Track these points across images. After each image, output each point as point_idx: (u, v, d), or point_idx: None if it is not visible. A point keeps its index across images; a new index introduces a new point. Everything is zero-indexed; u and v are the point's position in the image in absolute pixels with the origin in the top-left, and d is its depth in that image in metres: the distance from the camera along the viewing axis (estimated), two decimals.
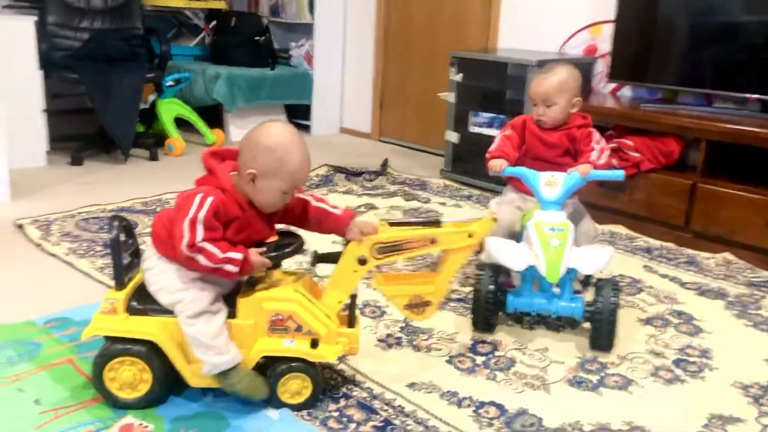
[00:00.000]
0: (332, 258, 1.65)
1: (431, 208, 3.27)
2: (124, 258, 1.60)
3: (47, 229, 2.71)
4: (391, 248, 1.62)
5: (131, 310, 1.58)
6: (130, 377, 1.56)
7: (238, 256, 1.51)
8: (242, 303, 1.58)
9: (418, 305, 1.69)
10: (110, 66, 3.77)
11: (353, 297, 1.67)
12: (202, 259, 1.49)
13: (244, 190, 1.55)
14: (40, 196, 3.16)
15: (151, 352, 1.55)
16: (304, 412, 1.60)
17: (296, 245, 1.62)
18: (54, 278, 2.31)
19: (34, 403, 1.58)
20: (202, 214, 1.48)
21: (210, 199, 1.49)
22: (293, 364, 1.59)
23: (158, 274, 1.58)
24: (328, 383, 1.72)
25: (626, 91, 3.54)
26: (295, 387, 1.60)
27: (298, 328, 1.58)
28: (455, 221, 1.69)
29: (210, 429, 1.53)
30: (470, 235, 1.66)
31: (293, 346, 1.58)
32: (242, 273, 1.54)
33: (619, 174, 2.07)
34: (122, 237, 1.60)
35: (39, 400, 1.60)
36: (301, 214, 1.68)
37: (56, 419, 1.53)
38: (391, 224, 1.66)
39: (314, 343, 1.59)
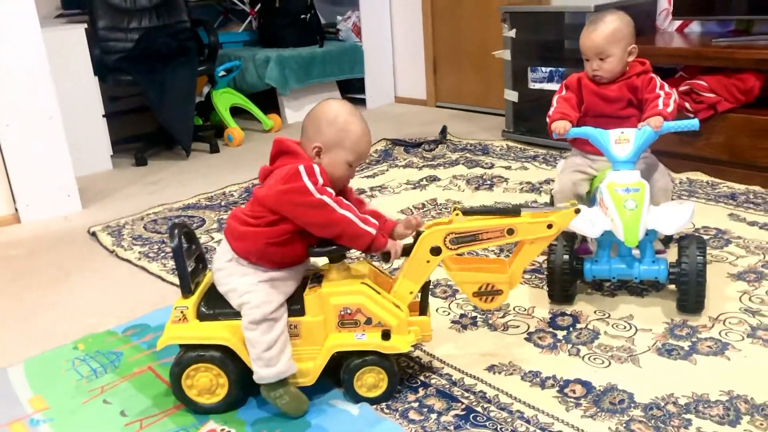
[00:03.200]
0: (404, 251, 1.59)
1: (496, 173, 3.17)
2: (188, 265, 1.60)
3: (119, 234, 2.77)
4: (466, 239, 1.55)
5: (201, 316, 1.57)
6: (207, 383, 1.57)
7: (375, 221, 1.53)
8: (309, 300, 1.56)
9: (488, 293, 1.62)
10: (162, 63, 3.79)
11: (426, 284, 1.62)
12: (342, 211, 1.48)
13: None
14: (109, 201, 3.23)
15: (225, 357, 1.55)
16: (383, 405, 1.57)
17: None
18: (129, 283, 2.35)
19: (120, 414, 1.61)
20: (320, 179, 1.48)
21: (316, 166, 1.49)
22: (367, 357, 1.56)
23: (229, 275, 1.57)
24: (405, 372, 1.68)
25: (694, 27, 3.30)
26: (372, 380, 1.57)
27: (368, 321, 1.55)
28: (534, 211, 1.59)
29: (292, 429, 1.52)
30: (550, 226, 1.56)
31: (365, 340, 1.55)
32: (377, 241, 1.51)
33: (693, 123, 1.92)
34: (185, 244, 1.59)
35: (124, 411, 1.62)
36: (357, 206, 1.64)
37: (141, 430, 1.55)
38: (465, 213, 1.57)
39: (386, 335, 1.55)
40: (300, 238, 1.54)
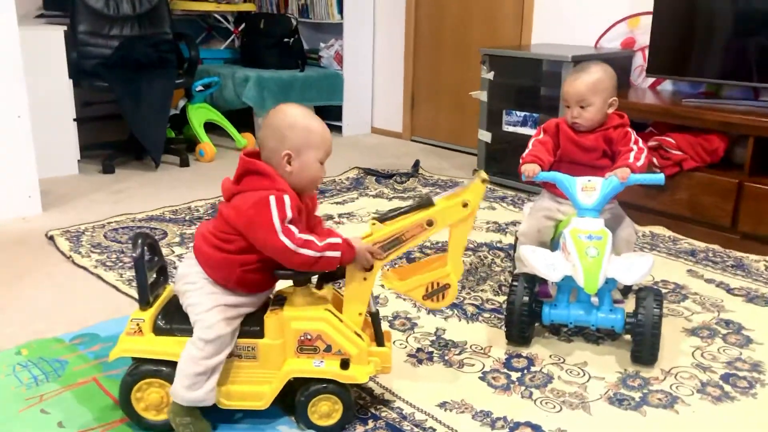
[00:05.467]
0: (337, 274, 1.58)
1: None
2: (149, 276, 1.56)
3: (77, 240, 2.71)
4: (391, 244, 1.54)
5: (157, 330, 1.54)
6: (157, 399, 1.52)
7: (336, 240, 1.49)
8: (269, 322, 1.53)
9: (437, 291, 1.60)
10: (140, 73, 3.77)
11: (376, 314, 1.60)
12: (305, 251, 1.45)
13: (287, 178, 1.51)
14: (71, 206, 3.17)
15: None
16: None
17: None
18: (83, 291, 2.29)
19: (57, 426, 1.56)
20: (288, 214, 1.45)
21: (286, 197, 1.46)
22: (323, 385, 1.53)
23: (197, 289, 1.53)
24: (357, 403, 1.66)
25: (667, 86, 3.40)
26: (326, 409, 1.54)
27: (328, 348, 1.52)
28: (445, 195, 1.59)
29: None
30: (465, 205, 1.56)
31: (323, 367, 1.52)
32: (344, 258, 1.49)
33: (659, 178, 1.96)
34: (147, 255, 1.56)
35: (62, 422, 1.57)
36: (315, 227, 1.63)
37: None
38: (383, 220, 1.56)
39: (345, 364, 1.52)
40: (274, 264, 1.52)
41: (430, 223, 1.56)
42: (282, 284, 1.62)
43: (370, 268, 1.54)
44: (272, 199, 1.45)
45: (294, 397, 1.55)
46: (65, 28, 3.61)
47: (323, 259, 1.47)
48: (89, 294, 2.27)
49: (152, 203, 3.19)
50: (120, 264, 2.47)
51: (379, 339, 1.60)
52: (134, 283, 2.26)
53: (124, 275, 2.38)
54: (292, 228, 1.45)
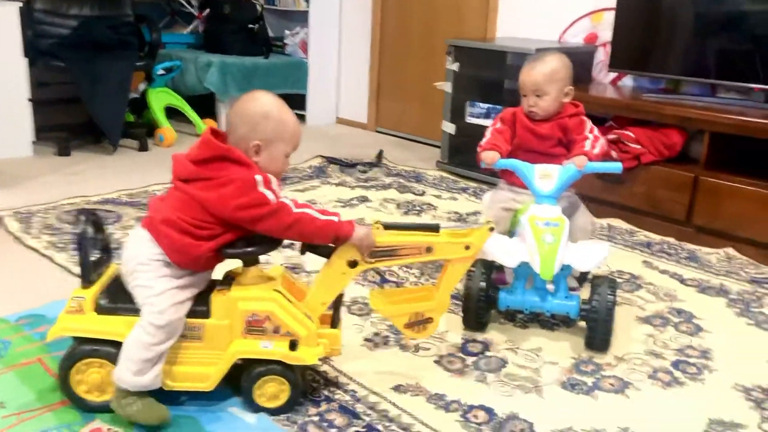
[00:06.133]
0: (323, 251, 1.55)
1: (426, 200, 3.19)
2: (92, 254, 1.51)
3: (28, 221, 2.63)
4: (385, 253, 1.53)
5: (100, 309, 1.49)
6: (98, 380, 1.48)
7: (331, 211, 1.50)
8: (216, 302, 1.50)
9: (419, 323, 1.61)
10: (98, 54, 3.68)
11: (340, 297, 1.59)
12: (308, 211, 1.46)
13: None
14: (24, 188, 3.08)
15: (119, 354, 1.46)
16: (283, 417, 1.52)
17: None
18: (32, 273, 2.23)
19: None
20: (277, 191, 1.46)
21: (270, 176, 1.47)
22: (270, 366, 1.51)
23: (147, 272, 1.47)
24: (310, 385, 1.64)
25: (628, 81, 3.44)
26: (273, 390, 1.52)
27: (276, 330, 1.50)
28: (453, 230, 1.60)
29: None
30: (467, 247, 1.57)
31: (270, 349, 1.50)
32: (343, 227, 1.47)
33: (617, 166, 1.98)
34: (91, 232, 1.51)
35: (3, 403, 1.52)
36: None
37: (19, 424, 1.45)
38: (386, 227, 1.55)
39: (293, 345, 1.50)
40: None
41: (429, 250, 1.55)
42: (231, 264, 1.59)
43: (367, 259, 1.52)
44: (259, 179, 1.44)
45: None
46: (20, 4, 3.50)
47: (319, 222, 1.46)
48: (39, 276, 2.21)
49: (108, 186, 3.11)
50: (72, 245, 2.41)
51: (335, 321, 1.59)
52: None
53: (76, 256, 2.31)
54: (286, 199, 1.46)
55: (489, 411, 1.58)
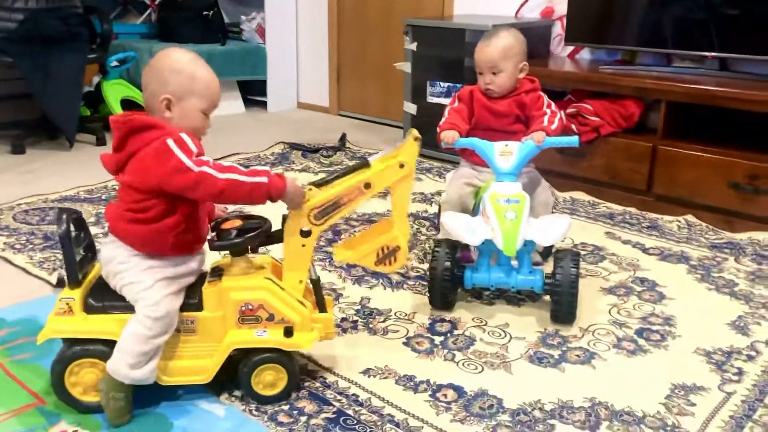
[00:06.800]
0: (278, 237, 1.55)
1: None
2: (77, 253, 1.48)
3: None
4: (329, 209, 1.52)
5: (89, 309, 1.47)
6: (93, 380, 1.46)
7: (261, 169, 1.44)
8: (208, 294, 1.49)
9: (388, 255, 1.59)
10: (48, 48, 3.57)
11: (317, 281, 1.58)
12: (230, 175, 1.39)
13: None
14: None
15: (112, 352, 1.43)
16: (252, 407, 1.52)
17: (266, 226, 1.52)
18: None
19: None
20: (193, 148, 1.39)
21: (184, 134, 1.40)
22: (267, 354, 1.50)
23: (129, 269, 1.45)
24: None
25: (584, 54, 3.47)
26: (270, 378, 1.52)
27: (270, 317, 1.49)
28: (380, 156, 1.58)
29: (152, 430, 1.44)
30: (401, 165, 1.55)
31: (266, 337, 1.49)
32: (273, 185, 1.42)
33: (573, 140, 1.99)
34: (73, 231, 1.47)
35: None
36: None
37: None
38: (319, 185, 1.54)
39: (288, 332, 1.50)
40: (202, 217, 1.50)
41: (367, 186, 1.54)
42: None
43: (310, 234, 1.51)
44: (171, 142, 1.38)
45: (236, 367, 1.52)
46: None
47: (248, 184, 1.40)
48: None
49: (66, 183, 3.05)
50: (30, 246, 2.36)
51: (321, 305, 1.58)
52: (46, 265, 2.19)
53: (35, 257, 2.27)
54: (204, 158, 1.41)
55: (458, 389, 1.60)
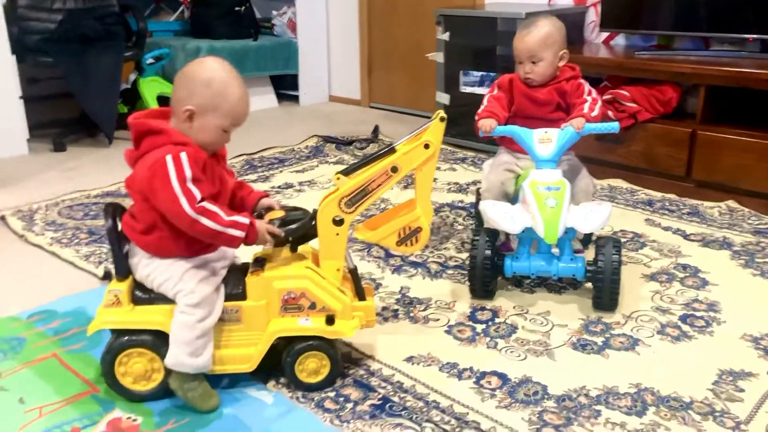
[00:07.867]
0: (309, 236, 1.56)
1: None
2: (123, 246, 1.51)
3: (30, 219, 2.63)
4: (358, 196, 1.54)
5: (136, 300, 1.50)
6: (141, 369, 1.50)
7: (244, 220, 1.44)
8: (251, 284, 1.51)
9: (409, 236, 1.60)
10: (86, 47, 3.65)
11: (355, 270, 1.60)
12: (206, 221, 1.40)
13: (186, 133, 1.44)
14: (22, 186, 3.07)
15: (159, 341, 1.48)
16: (300, 394, 1.54)
17: (308, 217, 1.54)
18: (38, 270, 2.23)
19: (18, 402, 1.52)
20: (188, 173, 1.39)
21: (183, 154, 1.39)
22: (310, 342, 1.52)
23: (156, 268, 1.48)
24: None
25: (620, 40, 3.42)
26: (313, 366, 1.54)
27: (312, 306, 1.52)
28: (406, 139, 1.59)
29: (201, 418, 1.47)
30: (426, 146, 1.56)
31: (308, 325, 1.52)
32: (248, 240, 1.45)
33: (614, 126, 1.98)
34: (119, 225, 1.50)
35: (23, 398, 1.53)
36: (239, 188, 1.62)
37: (41, 418, 1.47)
38: (346, 173, 1.55)
39: (330, 320, 1.52)
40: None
41: (394, 170, 1.55)
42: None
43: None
44: (169, 159, 1.38)
45: (280, 356, 1.54)
46: (3, 1, 3.46)
47: (224, 235, 1.43)
48: (45, 272, 2.21)
49: (107, 179, 3.11)
50: (76, 240, 2.42)
51: (360, 294, 1.60)
52: (92, 259, 2.25)
53: (81, 251, 2.32)
54: (194, 190, 1.39)
55: (502, 376, 1.60)
